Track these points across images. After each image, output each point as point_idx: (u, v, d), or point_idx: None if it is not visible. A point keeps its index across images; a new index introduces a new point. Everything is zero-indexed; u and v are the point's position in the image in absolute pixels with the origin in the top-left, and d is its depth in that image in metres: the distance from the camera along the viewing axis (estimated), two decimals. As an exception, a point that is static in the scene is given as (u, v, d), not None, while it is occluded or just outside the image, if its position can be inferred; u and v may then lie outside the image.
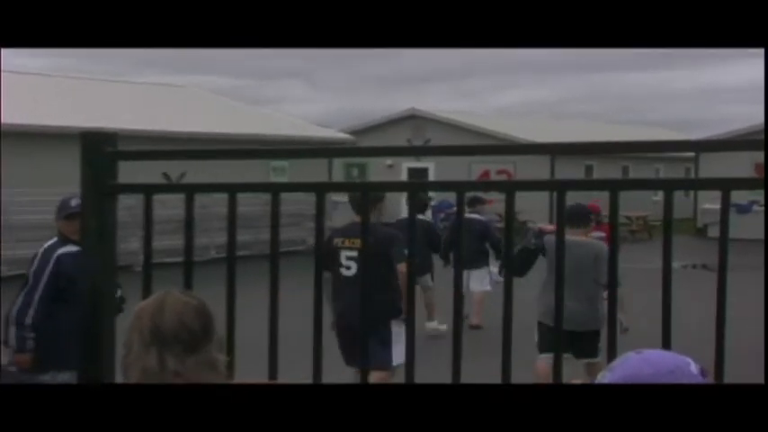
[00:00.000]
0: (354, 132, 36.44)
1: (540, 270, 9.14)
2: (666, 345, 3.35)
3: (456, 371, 3.68)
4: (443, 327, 13.36)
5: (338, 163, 35.24)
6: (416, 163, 37.52)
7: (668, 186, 3.44)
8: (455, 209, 3.77)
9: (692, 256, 24.56)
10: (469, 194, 14.02)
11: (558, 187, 3.62)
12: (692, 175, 39.80)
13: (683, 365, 2.06)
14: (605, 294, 8.86)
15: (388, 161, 37.87)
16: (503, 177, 33.89)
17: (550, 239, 9.10)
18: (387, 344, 8.28)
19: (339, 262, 8.57)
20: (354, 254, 8.46)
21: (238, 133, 26.77)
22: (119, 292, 5.58)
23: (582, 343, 8.92)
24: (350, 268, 8.54)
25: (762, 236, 21.37)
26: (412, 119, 40.18)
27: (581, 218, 9.24)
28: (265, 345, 3.90)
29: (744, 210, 31.40)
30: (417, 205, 15.54)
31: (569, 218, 8.88)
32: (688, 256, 24.71)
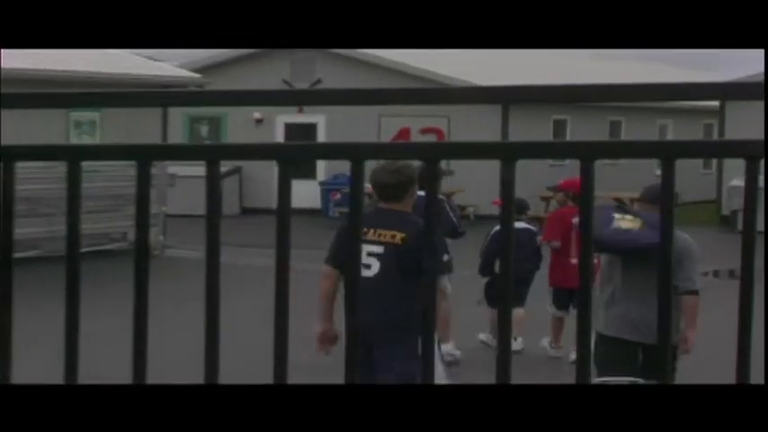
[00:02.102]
0: (203, 70, 36.30)
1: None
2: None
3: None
4: (458, 352, 14.47)
5: (178, 115, 35.03)
6: (299, 117, 37.52)
7: (667, 153, 3.39)
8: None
9: (713, 258, 24.75)
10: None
11: (505, 153, 3.49)
12: (714, 136, 40.29)
13: None
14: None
15: (256, 113, 37.77)
16: (431, 139, 33.91)
17: (616, 228, 9.96)
18: (414, 358, 8.96)
19: None
20: (380, 250, 9.30)
21: (20, 69, 26.48)
22: None
23: (653, 358, 9.31)
24: (370, 267, 9.24)
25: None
26: (291, 50, 40.11)
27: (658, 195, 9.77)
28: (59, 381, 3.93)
29: (788, 188, 31.91)
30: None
31: (646, 195, 10.10)
32: (708, 257, 24.84)
